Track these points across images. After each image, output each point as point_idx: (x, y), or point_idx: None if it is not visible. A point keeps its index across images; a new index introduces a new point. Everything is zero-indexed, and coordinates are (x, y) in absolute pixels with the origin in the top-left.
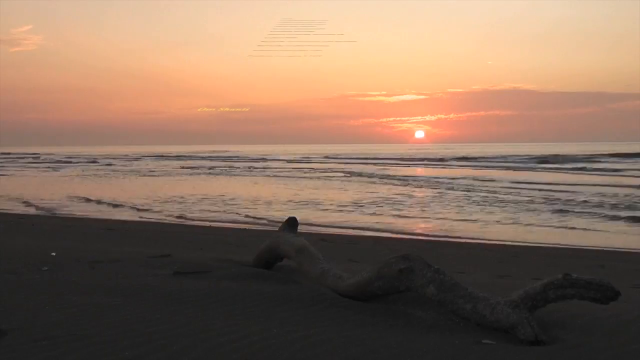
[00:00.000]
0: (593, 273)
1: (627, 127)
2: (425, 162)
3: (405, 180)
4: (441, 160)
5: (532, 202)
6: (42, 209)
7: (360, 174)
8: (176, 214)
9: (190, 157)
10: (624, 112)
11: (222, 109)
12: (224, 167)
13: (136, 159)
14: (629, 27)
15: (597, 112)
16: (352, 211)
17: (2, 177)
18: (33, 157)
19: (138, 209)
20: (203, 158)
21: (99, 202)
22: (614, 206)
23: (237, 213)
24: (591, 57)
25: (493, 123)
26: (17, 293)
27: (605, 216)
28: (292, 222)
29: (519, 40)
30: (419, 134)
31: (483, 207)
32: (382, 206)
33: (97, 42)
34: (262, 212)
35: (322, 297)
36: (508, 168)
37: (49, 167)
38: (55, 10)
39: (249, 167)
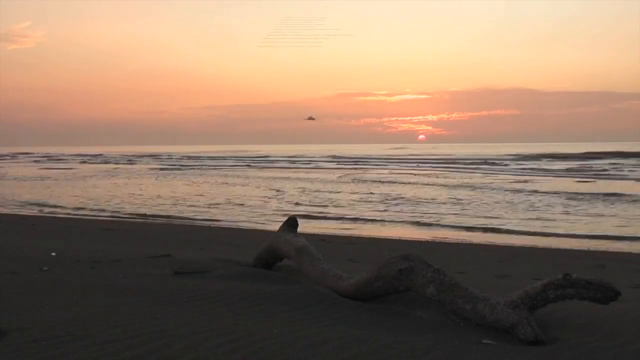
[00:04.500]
0: (593, 273)
1: (630, 127)
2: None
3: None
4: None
5: None
6: None
7: None
8: None
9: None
10: (628, 112)
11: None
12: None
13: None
14: (633, 27)
15: (600, 112)
16: None
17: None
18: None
19: None
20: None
21: None
22: None
23: None
24: (595, 57)
25: (495, 123)
26: (17, 293)
27: None
28: (292, 222)
29: (522, 39)
30: (420, 134)
31: None
32: None
33: (99, 41)
34: None
35: (322, 297)
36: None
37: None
38: (54, 6)
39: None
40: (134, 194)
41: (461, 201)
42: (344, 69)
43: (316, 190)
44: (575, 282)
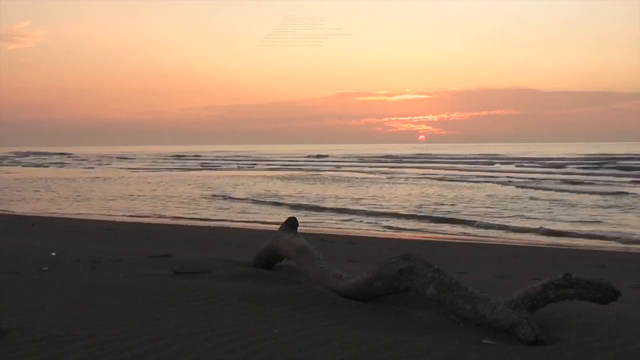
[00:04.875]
0: (593, 273)
1: (631, 127)
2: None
3: None
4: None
5: None
6: None
7: None
8: None
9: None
10: (629, 112)
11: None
12: None
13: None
14: (633, 27)
15: (600, 112)
16: None
17: None
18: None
19: None
20: None
21: None
22: None
23: None
24: (595, 57)
25: (495, 123)
26: (17, 293)
27: None
28: (292, 222)
29: (522, 39)
30: (420, 134)
31: None
32: None
33: (99, 40)
34: None
35: (322, 297)
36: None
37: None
38: (54, 6)
39: None
40: None
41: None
42: (344, 69)
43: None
44: (575, 282)
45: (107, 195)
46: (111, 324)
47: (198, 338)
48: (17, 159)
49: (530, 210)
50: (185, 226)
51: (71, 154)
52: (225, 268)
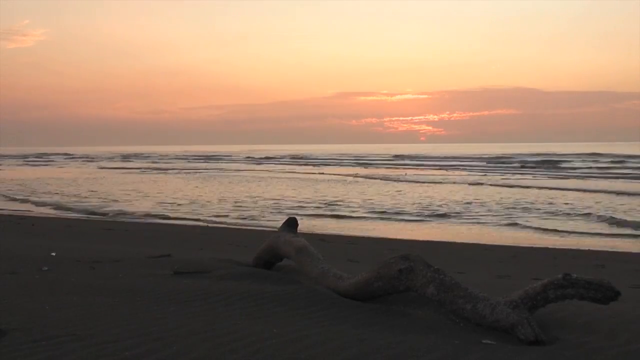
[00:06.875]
0: (593, 273)
1: (632, 127)
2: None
3: None
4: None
5: None
6: None
7: None
8: None
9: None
10: (629, 112)
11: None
12: None
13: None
14: (634, 27)
15: (602, 112)
16: None
17: None
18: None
19: None
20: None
21: None
22: None
23: None
24: (596, 57)
25: (496, 122)
26: (17, 293)
27: None
28: (291, 222)
29: (523, 39)
30: (421, 135)
31: None
32: None
33: (99, 40)
34: None
35: (322, 297)
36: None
37: None
38: (54, 4)
39: None
40: None
41: None
42: (344, 68)
43: None
44: (575, 282)
45: None
46: (111, 324)
47: (198, 338)
48: None
49: None
50: (185, 226)
51: None
52: (225, 268)
